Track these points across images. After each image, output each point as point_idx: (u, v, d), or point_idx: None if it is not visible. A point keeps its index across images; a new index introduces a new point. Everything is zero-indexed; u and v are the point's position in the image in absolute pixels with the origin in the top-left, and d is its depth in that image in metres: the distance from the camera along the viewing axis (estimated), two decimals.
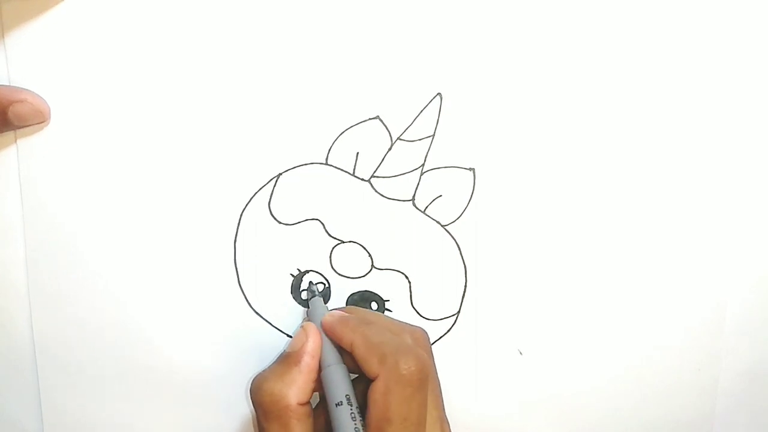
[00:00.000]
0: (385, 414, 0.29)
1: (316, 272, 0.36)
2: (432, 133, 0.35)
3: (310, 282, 0.35)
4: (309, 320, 0.34)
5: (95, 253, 0.34)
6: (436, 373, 0.34)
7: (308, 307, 0.35)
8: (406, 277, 0.36)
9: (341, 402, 0.30)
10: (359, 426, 0.30)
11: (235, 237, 0.35)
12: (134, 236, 0.34)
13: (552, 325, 0.37)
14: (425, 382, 0.30)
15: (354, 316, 0.33)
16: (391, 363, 0.29)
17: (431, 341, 0.36)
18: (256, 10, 0.33)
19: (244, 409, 0.36)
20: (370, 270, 0.36)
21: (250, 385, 0.32)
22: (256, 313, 0.35)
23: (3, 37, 0.32)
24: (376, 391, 0.29)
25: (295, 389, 0.31)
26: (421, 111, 0.35)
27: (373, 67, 0.34)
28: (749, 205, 0.37)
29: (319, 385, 0.32)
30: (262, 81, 0.33)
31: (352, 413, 0.30)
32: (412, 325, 0.34)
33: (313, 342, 0.32)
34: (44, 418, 0.35)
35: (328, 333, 0.32)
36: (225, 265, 0.35)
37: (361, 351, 0.31)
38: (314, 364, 0.31)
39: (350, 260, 0.36)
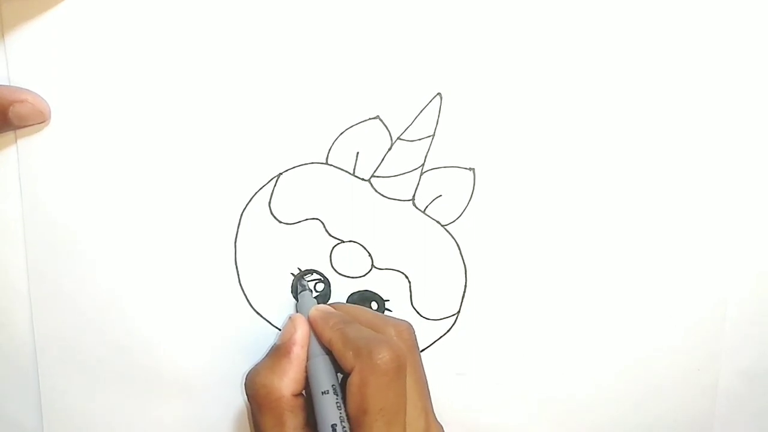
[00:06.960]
0: (361, 405, 0.29)
1: (317, 272, 0.36)
2: (432, 133, 0.35)
3: (302, 277, 0.35)
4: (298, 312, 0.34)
5: (95, 252, 0.34)
6: (421, 365, 0.33)
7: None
8: (406, 277, 0.36)
9: (327, 391, 0.30)
10: (344, 415, 0.29)
11: (236, 236, 0.35)
12: (134, 236, 0.34)
13: (552, 325, 0.37)
14: (401, 371, 0.30)
15: (337, 313, 0.33)
16: (364, 354, 0.29)
17: (431, 341, 0.36)
18: (255, 10, 0.33)
19: (244, 408, 0.36)
20: (370, 270, 0.36)
21: (244, 381, 0.32)
22: (257, 312, 0.35)
23: (3, 37, 0.32)
24: (353, 383, 0.29)
25: (287, 380, 0.31)
26: (421, 111, 0.35)
27: (373, 67, 0.34)
28: (749, 205, 0.37)
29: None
30: (262, 81, 0.33)
31: (337, 402, 0.30)
32: (397, 319, 0.34)
33: (302, 332, 0.32)
34: (44, 418, 0.35)
35: (312, 328, 0.32)
36: (225, 264, 0.35)
37: (338, 347, 0.31)
38: (304, 354, 0.32)
39: (350, 260, 0.36)
